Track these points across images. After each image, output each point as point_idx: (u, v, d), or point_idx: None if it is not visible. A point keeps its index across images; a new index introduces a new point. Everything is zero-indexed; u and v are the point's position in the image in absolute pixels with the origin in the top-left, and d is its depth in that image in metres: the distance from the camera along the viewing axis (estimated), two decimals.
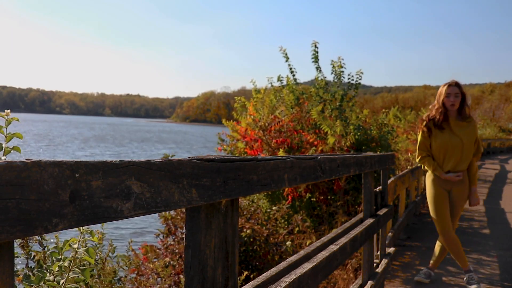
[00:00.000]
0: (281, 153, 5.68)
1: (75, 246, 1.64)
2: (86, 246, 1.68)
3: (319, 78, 6.82)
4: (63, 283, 1.57)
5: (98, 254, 2.57)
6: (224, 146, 6.75)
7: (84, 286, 1.97)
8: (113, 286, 2.54)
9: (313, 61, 6.87)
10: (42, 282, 1.57)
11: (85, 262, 1.76)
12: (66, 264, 1.62)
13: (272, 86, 7.12)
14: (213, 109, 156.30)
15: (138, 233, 9.61)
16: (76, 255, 1.62)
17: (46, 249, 2.14)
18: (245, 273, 3.64)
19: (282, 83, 7.12)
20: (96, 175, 0.76)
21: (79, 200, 0.73)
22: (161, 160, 0.94)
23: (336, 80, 6.84)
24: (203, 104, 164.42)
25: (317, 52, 6.83)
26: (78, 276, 1.65)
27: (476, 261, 4.77)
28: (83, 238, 1.67)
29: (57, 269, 1.63)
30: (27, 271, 2.04)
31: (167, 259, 3.98)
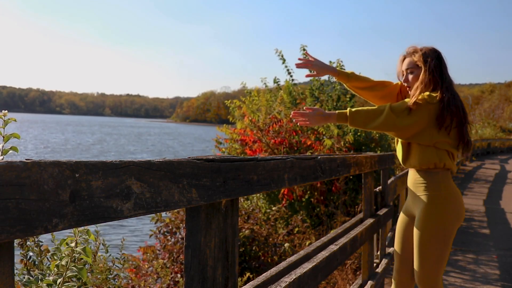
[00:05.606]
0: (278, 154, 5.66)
1: (72, 244, 1.64)
2: (83, 245, 1.68)
3: (315, 79, 6.81)
4: (60, 282, 1.57)
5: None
6: (223, 149, 6.72)
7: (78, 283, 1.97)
8: (108, 284, 2.54)
9: None
10: (40, 282, 1.57)
11: (80, 262, 1.76)
12: (63, 263, 1.62)
13: (266, 86, 7.10)
14: (213, 109, 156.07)
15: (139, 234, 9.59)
16: (74, 254, 1.62)
17: (41, 249, 2.14)
18: (247, 274, 3.59)
19: (279, 84, 7.10)
20: (96, 175, 0.76)
21: (79, 200, 0.73)
22: (161, 160, 0.94)
23: (333, 80, 6.83)
24: (203, 104, 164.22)
25: (306, 56, 6.78)
26: (75, 275, 1.64)
27: (476, 261, 4.77)
28: (80, 236, 1.67)
29: (55, 268, 1.63)
30: (25, 272, 2.05)
31: (161, 260, 3.96)
